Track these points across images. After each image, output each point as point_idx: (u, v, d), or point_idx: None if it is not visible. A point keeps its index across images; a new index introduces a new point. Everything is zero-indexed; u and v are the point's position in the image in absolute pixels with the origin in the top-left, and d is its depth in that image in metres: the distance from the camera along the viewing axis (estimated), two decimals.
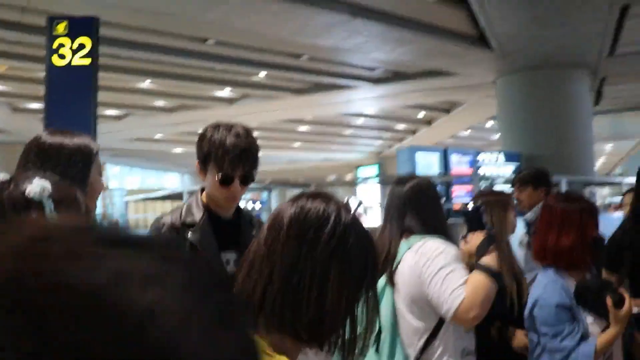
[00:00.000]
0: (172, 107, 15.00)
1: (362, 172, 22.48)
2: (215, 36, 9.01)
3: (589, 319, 2.24)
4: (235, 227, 2.27)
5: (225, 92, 13.54)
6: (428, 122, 17.55)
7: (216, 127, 2.16)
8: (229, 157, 2.09)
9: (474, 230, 2.33)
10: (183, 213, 2.21)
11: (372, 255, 1.11)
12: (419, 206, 2.36)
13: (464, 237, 2.44)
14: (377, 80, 12.01)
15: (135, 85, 12.75)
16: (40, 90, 6.17)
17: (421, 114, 16.64)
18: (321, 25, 8.11)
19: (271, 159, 24.56)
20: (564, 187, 8.35)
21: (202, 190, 2.30)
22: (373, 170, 22.28)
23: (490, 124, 17.36)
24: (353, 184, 21.53)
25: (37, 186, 1.20)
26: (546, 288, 2.29)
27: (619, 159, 30.13)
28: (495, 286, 2.14)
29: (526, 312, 2.35)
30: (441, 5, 7.85)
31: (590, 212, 2.34)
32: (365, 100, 13.77)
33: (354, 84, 12.11)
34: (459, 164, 10.04)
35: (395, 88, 12.33)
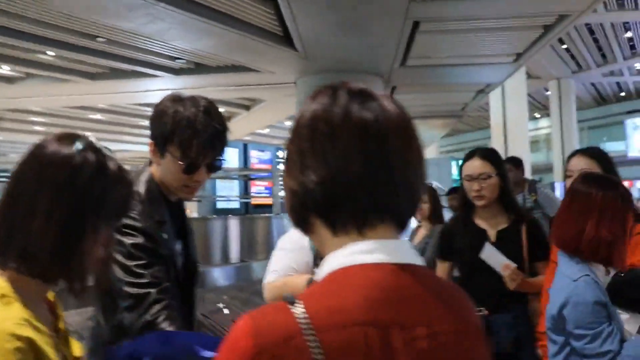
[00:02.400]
0: None
1: None
2: None
3: (623, 317, 2.00)
4: (178, 209, 1.95)
5: (5, 69, 12.12)
6: (228, 117, 17.46)
7: (178, 100, 1.77)
8: (199, 140, 1.73)
9: None
10: (147, 206, 1.75)
11: (96, 193, 1.12)
12: None
13: None
14: (178, 71, 11.62)
15: None
16: None
17: (221, 109, 16.42)
18: (120, 6, 7.56)
19: None
20: None
21: (150, 163, 1.88)
22: None
23: (289, 122, 17.76)
24: None
25: None
26: (579, 284, 1.97)
27: None
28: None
29: (552, 312, 2.03)
30: (249, 0, 7.77)
31: (629, 199, 2.08)
32: (165, 91, 13.23)
33: (154, 72, 11.57)
34: (258, 160, 10.11)
35: (196, 80, 12.01)
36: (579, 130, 26.48)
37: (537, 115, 30.69)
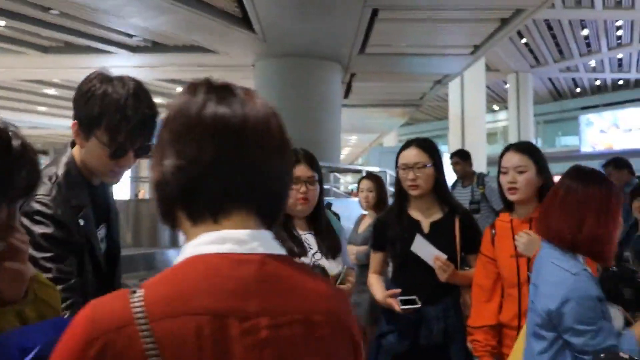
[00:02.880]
0: None
1: None
2: None
3: (612, 312, 2.00)
4: (103, 193, 1.88)
5: None
6: None
7: (106, 80, 1.68)
8: (128, 126, 1.65)
9: None
10: (64, 189, 1.66)
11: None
12: None
13: None
14: (134, 49, 11.39)
15: None
16: None
17: (179, 89, 16.22)
18: None
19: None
20: None
21: (72, 144, 1.78)
22: None
23: None
24: None
25: None
26: (580, 278, 1.94)
27: (361, 150, 32.95)
28: None
29: (549, 307, 1.95)
30: None
31: (620, 195, 2.10)
32: (121, 69, 12.96)
33: (110, 49, 11.31)
34: None
35: (154, 59, 11.80)
36: (535, 124, 27.02)
37: (495, 107, 31.16)
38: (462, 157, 5.90)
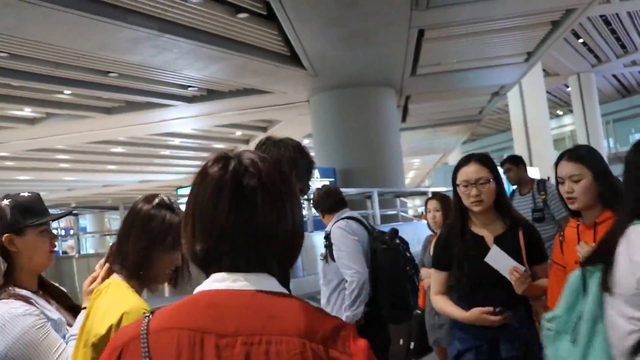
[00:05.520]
0: None
1: (183, 193, 21.99)
2: (5, 48, 8.17)
3: None
4: None
5: (26, 111, 12.40)
6: (246, 140, 17.55)
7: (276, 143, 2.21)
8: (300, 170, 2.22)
9: None
10: None
11: (163, 233, 1.72)
12: None
13: None
14: (191, 99, 11.74)
15: None
16: None
17: (238, 133, 16.59)
18: (127, 41, 7.71)
19: (85, 184, 23.08)
20: (376, 198, 8.74)
21: None
22: None
23: (306, 141, 17.82)
24: None
25: None
26: None
27: (427, 171, 32.61)
28: None
29: None
30: (251, 23, 7.83)
31: None
32: (180, 120, 13.38)
33: (167, 102, 11.70)
34: None
35: (211, 107, 12.13)
36: (604, 123, 26.05)
37: (559, 112, 30.29)
38: (514, 163, 5.60)
